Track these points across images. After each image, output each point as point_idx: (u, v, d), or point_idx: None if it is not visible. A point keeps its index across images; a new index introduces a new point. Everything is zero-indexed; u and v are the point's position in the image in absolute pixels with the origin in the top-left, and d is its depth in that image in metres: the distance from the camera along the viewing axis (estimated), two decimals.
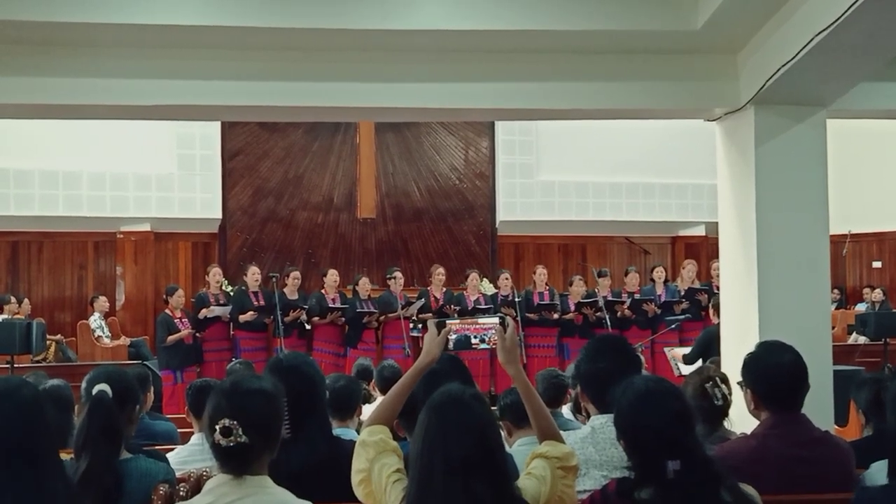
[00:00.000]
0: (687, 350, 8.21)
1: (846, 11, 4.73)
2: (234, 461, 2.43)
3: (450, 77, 6.26)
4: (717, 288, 8.61)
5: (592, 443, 3.02)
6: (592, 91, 6.38)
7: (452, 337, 3.04)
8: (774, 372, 3.26)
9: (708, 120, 6.70)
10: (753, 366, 3.35)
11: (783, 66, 5.53)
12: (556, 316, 10.73)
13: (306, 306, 10.20)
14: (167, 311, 10.21)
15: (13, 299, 11.39)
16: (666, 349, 8.87)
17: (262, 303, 10.09)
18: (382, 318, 10.44)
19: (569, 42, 6.12)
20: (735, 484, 2.51)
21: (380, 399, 4.19)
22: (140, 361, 10.24)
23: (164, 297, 10.53)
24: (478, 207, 14.33)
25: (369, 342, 10.43)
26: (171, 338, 9.93)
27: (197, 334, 10.08)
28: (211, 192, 13.15)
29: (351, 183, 13.65)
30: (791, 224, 6.11)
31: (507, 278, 11.11)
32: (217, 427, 2.40)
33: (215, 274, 10.53)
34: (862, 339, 10.91)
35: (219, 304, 10.12)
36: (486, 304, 10.62)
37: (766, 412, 3.27)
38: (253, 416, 2.42)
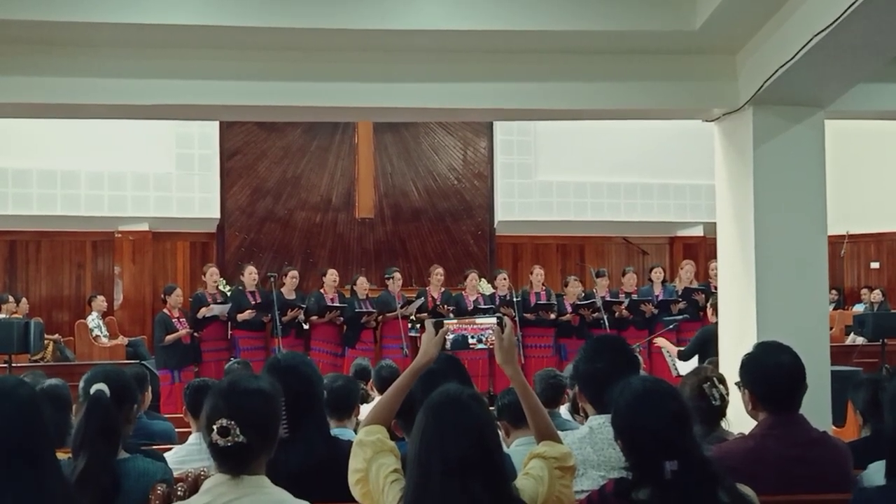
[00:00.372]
0: (681, 349, 8.22)
1: (845, 12, 4.74)
2: (232, 461, 2.43)
3: (449, 77, 6.27)
4: (715, 288, 8.63)
5: (590, 443, 3.02)
6: (591, 91, 6.38)
7: (450, 337, 3.04)
8: (772, 372, 3.26)
9: (706, 120, 6.70)
10: (751, 366, 3.35)
11: (782, 66, 5.54)
12: (552, 316, 10.72)
13: (304, 306, 10.20)
14: (165, 310, 10.21)
15: (11, 299, 11.38)
16: (658, 339, 8.88)
17: (259, 301, 10.08)
18: (381, 317, 10.44)
19: (567, 42, 6.13)
20: (732, 484, 2.51)
21: (377, 399, 4.19)
22: (138, 361, 10.18)
23: (162, 296, 10.52)
24: (476, 207, 14.33)
25: (367, 342, 10.43)
26: (168, 337, 9.93)
27: (195, 334, 10.08)
28: (209, 191, 13.15)
29: (349, 183, 13.65)
30: (789, 224, 6.12)
31: (504, 278, 11.11)
32: (214, 427, 2.40)
33: (212, 273, 10.52)
34: (860, 340, 10.91)
35: (217, 304, 10.11)
36: (485, 305, 10.62)
37: (763, 413, 3.27)
38: (250, 416, 2.42)
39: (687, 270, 11.22)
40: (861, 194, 13.47)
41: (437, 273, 11.00)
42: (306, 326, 10.36)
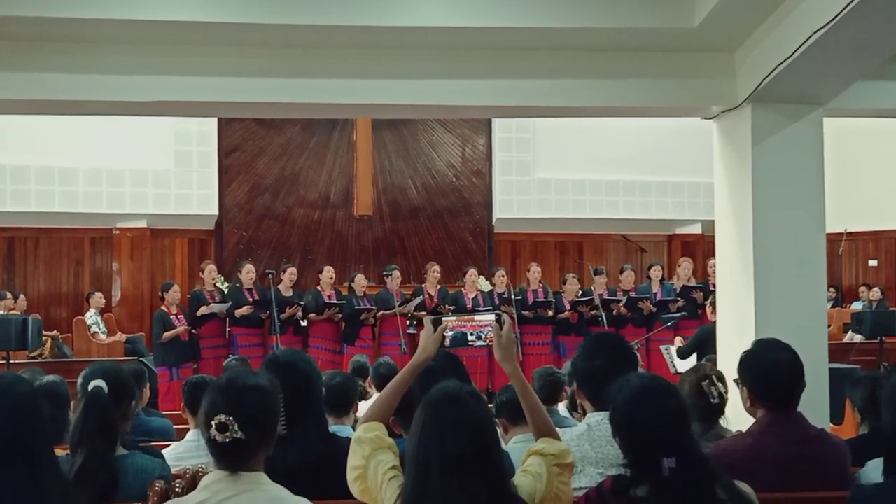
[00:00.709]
0: (680, 346, 8.23)
1: (843, 10, 4.74)
2: (230, 457, 2.42)
3: (447, 74, 6.26)
4: (714, 286, 8.62)
5: (588, 440, 3.02)
6: (589, 88, 6.39)
7: (449, 334, 3.05)
8: (771, 370, 3.26)
9: (705, 118, 6.71)
10: (750, 363, 3.34)
11: (780, 64, 5.54)
12: (551, 313, 10.72)
13: (302, 303, 10.19)
14: (163, 307, 10.20)
15: (9, 295, 11.38)
16: (662, 347, 8.88)
17: (256, 298, 10.08)
18: (380, 314, 10.43)
19: (566, 39, 6.12)
20: (731, 482, 2.51)
21: (376, 396, 4.19)
22: (136, 358, 10.21)
23: (160, 293, 10.51)
24: (474, 205, 14.32)
25: (366, 339, 10.42)
26: (166, 334, 9.92)
27: (193, 331, 10.07)
28: (207, 188, 13.13)
29: (348, 180, 13.65)
30: (787, 222, 6.13)
31: (503, 276, 11.11)
32: (213, 423, 2.40)
33: (210, 271, 10.52)
34: (858, 338, 10.93)
35: (215, 301, 10.11)
36: (484, 302, 10.62)
37: (762, 410, 3.27)
38: (249, 413, 2.42)
39: (685, 267, 11.22)
40: (859, 192, 13.48)
41: (434, 270, 10.99)
42: (304, 323, 10.35)
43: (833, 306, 13.11)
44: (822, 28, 4.98)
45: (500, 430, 3.81)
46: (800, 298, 6.08)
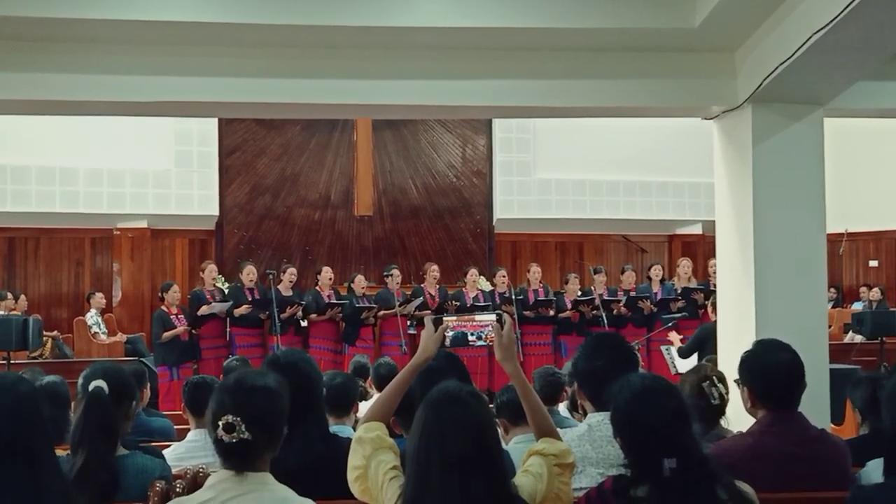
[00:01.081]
0: (681, 346, 8.23)
1: (844, 10, 4.74)
2: (237, 458, 2.43)
3: (448, 74, 6.26)
4: (715, 286, 8.62)
5: (589, 440, 3.02)
6: (590, 89, 6.38)
7: (449, 334, 3.05)
8: (771, 370, 3.26)
9: (705, 118, 6.70)
10: (750, 364, 3.34)
11: (781, 64, 5.54)
12: (552, 313, 10.72)
13: (303, 302, 10.19)
14: (163, 307, 10.20)
15: (10, 295, 11.38)
16: (663, 348, 8.88)
17: (257, 298, 10.08)
18: (380, 314, 10.43)
19: (566, 40, 6.12)
20: (731, 482, 2.51)
21: (376, 396, 4.19)
22: (136, 358, 10.22)
23: (160, 293, 10.51)
24: (475, 205, 14.33)
25: (367, 339, 10.42)
26: (166, 334, 9.92)
27: (193, 331, 10.07)
28: (208, 188, 13.14)
29: (348, 180, 13.65)
30: (788, 222, 6.12)
31: (504, 276, 11.11)
32: (220, 423, 2.40)
33: (210, 271, 10.52)
34: (858, 338, 10.93)
35: (216, 301, 10.11)
36: (485, 302, 10.62)
37: (762, 410, 3.27)
38: (256, 413, 2.43)
39: (684, 267, 11.21)
40: (860, 192, 13.48)
41: (433, 270, 11.00)
42: (304, 324, 10.35)
43: (834, 307, 13.11)
44: (822, 28, 4.97)
45: (500, 431, 3.81)
46: (800, 299, 6.08)
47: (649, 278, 11.22)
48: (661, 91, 6.39)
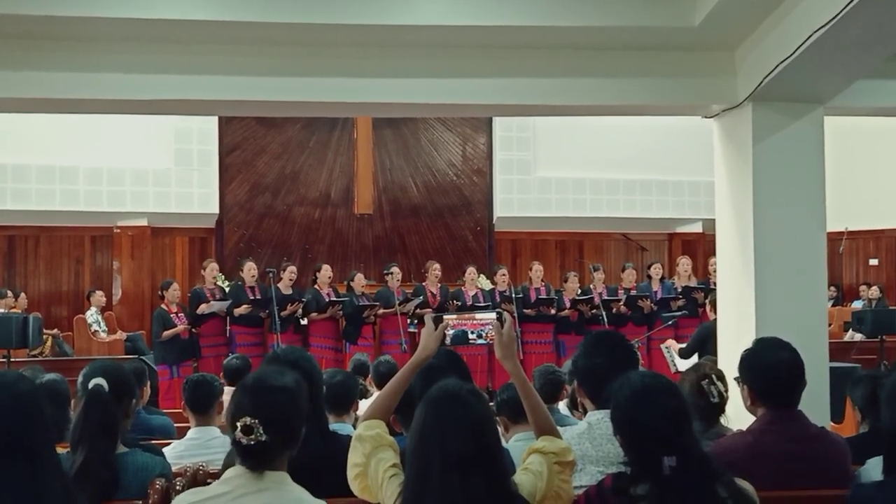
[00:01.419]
0: (684, 346, 8.22)
1: (844, 8, 4.74)
2: (254, 459, 2.44)
3: (448, 73, 6.26)
4: (715, 284, 8.62)
5: (589, 438, 3.01)
6: (590, 87, 6.39)
7: (450, 332, 3.04)
8: (771, 368, 3.26)
9: (705, 117, 6.71)
10: (750, 362, 3.35)
11: (781, 63, 5.54)
12: (553, 311, 10.72)
13: (303, 300, 10.19)
14: (163, 305, 10.20)
15: (10, 293, 11.38)
16: (663, 346, 8.88)
17: (257, 296, 10.08)
18: (381, 311, 10.43)
19: (567, 38, 6.12)
20: (731, 480, 2.51)
21: (376, 394, 4.19)
22: (136, 356, 10.22)
23: (160, 291, 10.51)
24: (475, 203, 14.32)
25: (367, 337, 10.43)
26: (166, 332, 9.92)
27: (193, 329, 10.07)
28: (208, 187, 13.13)
29: (348, 178, 13.65)
30: (788, 221, 6.13)
31: (504, 274, 11.10)
32: (238, 425, 2.41)
33: (211, 269, 10.52)
34: (858, 337, 10.93)
35: (216, 299, 10.11)
36: (484, 301, 10.61)
37: (762, 408, 3.27)
38: (274, 414, 2.43)
39: (683, 265, 11.21)
40: (860, 191, 13.48)
41: (434, 268, 10.99)
42: (304, 322, 10.35)
43: (833, 305, 13.11)
44: (822, 27, 4.97)
45: (500, 429, 3.81)
46: (800, 297, 6.08)
47: (649, 277, 11.22)
48: (662, 89, 6.40)
